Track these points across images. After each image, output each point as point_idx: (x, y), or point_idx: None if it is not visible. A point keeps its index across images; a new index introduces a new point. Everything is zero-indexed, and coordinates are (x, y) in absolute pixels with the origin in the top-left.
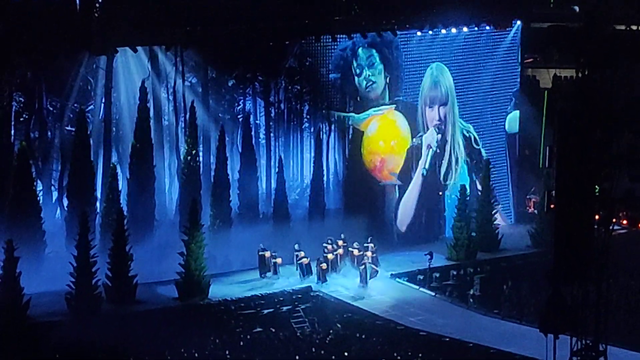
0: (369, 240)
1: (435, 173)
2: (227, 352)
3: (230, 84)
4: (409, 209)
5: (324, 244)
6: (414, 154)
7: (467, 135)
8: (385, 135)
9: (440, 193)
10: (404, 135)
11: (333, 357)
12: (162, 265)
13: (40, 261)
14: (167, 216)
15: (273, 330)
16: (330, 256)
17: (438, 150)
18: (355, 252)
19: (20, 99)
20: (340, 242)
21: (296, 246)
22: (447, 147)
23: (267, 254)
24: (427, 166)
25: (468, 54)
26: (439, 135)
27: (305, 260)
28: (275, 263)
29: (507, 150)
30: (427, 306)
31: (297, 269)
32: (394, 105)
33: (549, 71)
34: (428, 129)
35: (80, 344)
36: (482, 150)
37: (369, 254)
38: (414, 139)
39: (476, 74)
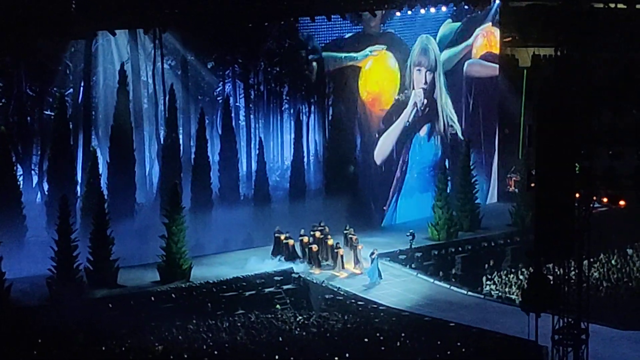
0: (347, 227)
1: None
2: (209, 335)
3: (209, 66)
4: (386, 147)
5: (312, 231)
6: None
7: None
8: (378, 72)
9: (385, 208)
10: (393, 70)
11: (316, 338)
12: (144, 248)
13: (21, 246)
14: (147, 199)
15: (256, 312)
16: (314, 247)
17: (421, 115)
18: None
19: None
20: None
21: (302, 231)
22: (433, 113)
23: (282, 236)
24: (410, 119)
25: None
26: (425, 100)
27: (290, 242)
28: (287, 245)
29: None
30: (409, 286)
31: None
32: (386, 46)
33: (527, 50)
34: (415, 89)
35: (62, 328)
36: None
37: (354, 238)
38: (399, 95)
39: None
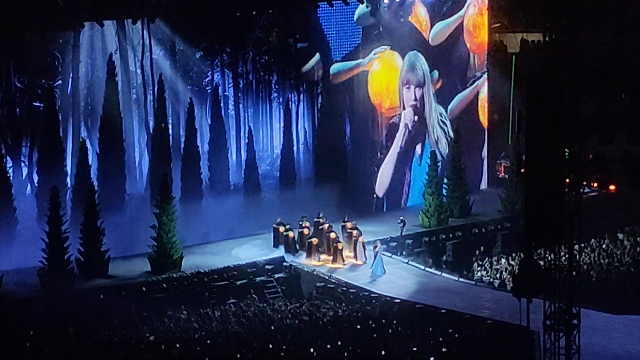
0: (345, 219)
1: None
2: (201, 324)
3: (198, 56)
4: (385, 179)
5: (301, 221)
6: (392, 130)
7: (441, 120)
8: (383, 71)
9: (375, 195)
10: (398, 67)
11: (307, 326)
12: (134, 238)
13: (11, 238)
14: (137, 190)
15: (247, 301)
16: (314, 241)
17: (414, 133)
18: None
19: None
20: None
21: (304, 222)
22: (424, 129)
23: (282, 228)
24: (402, 144)
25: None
26: (416, 117)
27: (291, 234)
28: (287, 237)
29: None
30: (400, 273)
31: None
32: (389, 46)
33: (516, 36)
34: (405, 108)
35: (54, 319)
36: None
37: (355, 232)
38: (393, 119)
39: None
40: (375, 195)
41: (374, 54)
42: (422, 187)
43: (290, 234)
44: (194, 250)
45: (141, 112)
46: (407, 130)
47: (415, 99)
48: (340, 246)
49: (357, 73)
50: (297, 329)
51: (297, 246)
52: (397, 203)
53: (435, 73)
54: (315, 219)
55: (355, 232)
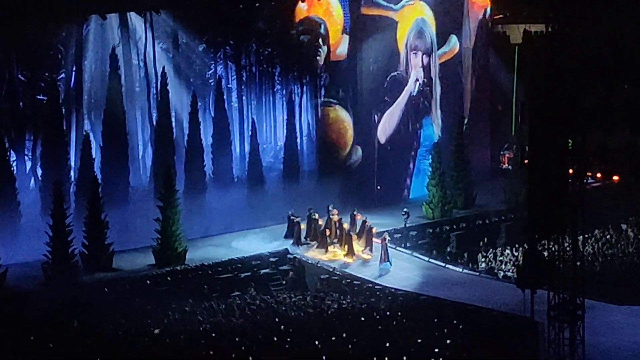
0: (354, 211)
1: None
2: (206, 317)
3: (200, 48)
4: (392, 122)
5: (312, 215)
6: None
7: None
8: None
9: (379, 187)
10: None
11: (312, 318)
12: (138, 232)
13: (16, 232)
14: (141, 183)
15: (252, 293)
16: (328, 232)
17: (422, 89)
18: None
19: None
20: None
21: (316, 215)
22: (430, 98)
23: (296, 220)
24: (415, 91)
25: None
26: (425, 79)
27: (302, 226)
28: (299, 229)
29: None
30: (404, 265)
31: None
32: None
33: (518, 27)
34: (413, 69)
35: (58, 312)
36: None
37: (367, 222)
38: (395, 73)
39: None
40: (378, 187)
41: (406, 1)
42: (425, 180)
43: (302, 225)
44: (197, 243)
45: (144, 105)
46: (419, 83)
47: (422, 66)
48: (354, 237)
49: (386, 15)
50: (302, 321)
51: (303, 239)
52: (399, 195)
53: (453, 38)
54: (330, 208)
55: (367, 223)
